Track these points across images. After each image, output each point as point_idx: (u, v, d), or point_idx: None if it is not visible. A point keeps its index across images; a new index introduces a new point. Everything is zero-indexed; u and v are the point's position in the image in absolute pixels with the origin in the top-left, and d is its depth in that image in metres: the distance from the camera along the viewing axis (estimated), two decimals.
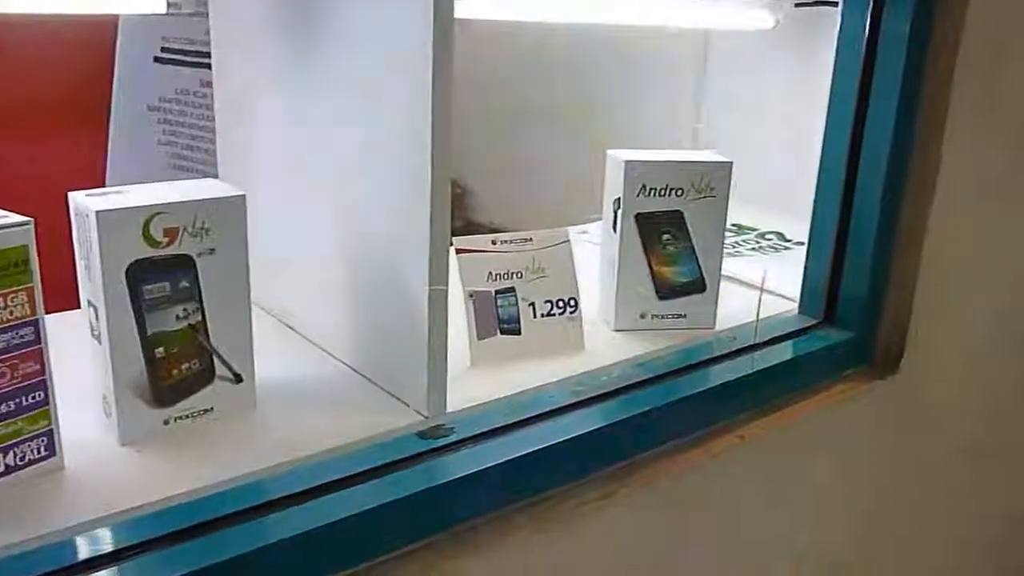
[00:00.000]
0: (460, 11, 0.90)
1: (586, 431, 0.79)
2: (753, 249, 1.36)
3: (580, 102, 1.94)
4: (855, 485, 1.21)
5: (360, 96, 0.79)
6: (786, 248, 1.37)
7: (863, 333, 1.09)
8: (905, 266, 1.11)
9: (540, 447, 0.75)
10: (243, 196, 0.74)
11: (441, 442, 0.74)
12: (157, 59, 1.90)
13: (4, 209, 0.64)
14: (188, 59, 1.87)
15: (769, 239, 1.41)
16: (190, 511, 0.64)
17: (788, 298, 1.14)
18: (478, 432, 0.76)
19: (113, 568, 0.59)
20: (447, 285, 0.76)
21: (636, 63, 1.73)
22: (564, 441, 0.77)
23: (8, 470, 0.65)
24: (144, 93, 1.91)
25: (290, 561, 0.63)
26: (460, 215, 2.37)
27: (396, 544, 0.69)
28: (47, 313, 0.66)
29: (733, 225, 1.45)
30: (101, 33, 1.87)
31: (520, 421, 0.79)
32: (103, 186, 1.69)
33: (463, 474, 0.71)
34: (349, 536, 0.66)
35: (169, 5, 0.73)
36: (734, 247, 1.35)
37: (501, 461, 0.72)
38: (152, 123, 1.92)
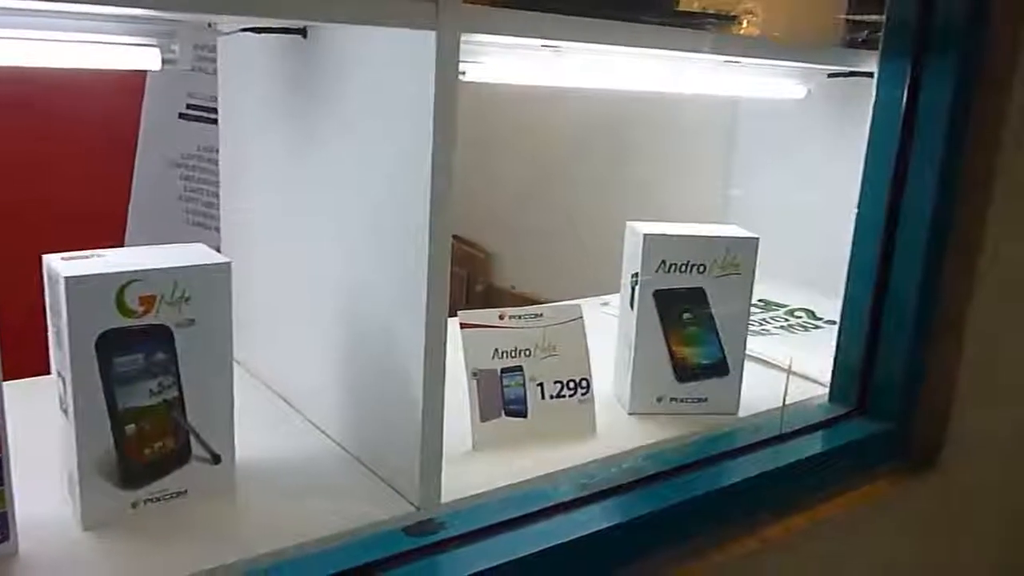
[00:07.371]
0: (492, 76, 0.86)
1: (591, 531, 0.72)
2: (781, 327, 1.29)
3: (610, 169, 1.91)
4: None
5: (359, 166, 0.75)
6: (816, 327, 1.30)
7: (899, 425, 1.01)
8: (945, 351, 1.04)
9: (538, 549, 0.68)
10: (228, 264, 0.69)
11: (429, 540, 0.67)
12: (182, 115, 1.89)
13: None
14: (213, 116, 1.85)
15: (799, 316, 1.34)
16: None
17: (819, 382, 1.06)
18: (470, 529, 0.69)
19: None
20: (445, 361, 0.70)
21: (666, 131, 1.69)
22: (566, 543, 0.70)
23: None
24: (168, 148, 1.90)
25: None
26: (483, 279, 2.34)
27: None
28: (29, 376, 0.61)
29: (760, 301, 1.38)
30: (130, 86, 1.87)
31: (518, 518, 0.72)
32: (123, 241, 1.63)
33: None
34: None
35: (164, 63, 0.70)
36: (760, 324, 1.28)
37: (493, 565, 0.66)
38: (174, 179, 1.91)
